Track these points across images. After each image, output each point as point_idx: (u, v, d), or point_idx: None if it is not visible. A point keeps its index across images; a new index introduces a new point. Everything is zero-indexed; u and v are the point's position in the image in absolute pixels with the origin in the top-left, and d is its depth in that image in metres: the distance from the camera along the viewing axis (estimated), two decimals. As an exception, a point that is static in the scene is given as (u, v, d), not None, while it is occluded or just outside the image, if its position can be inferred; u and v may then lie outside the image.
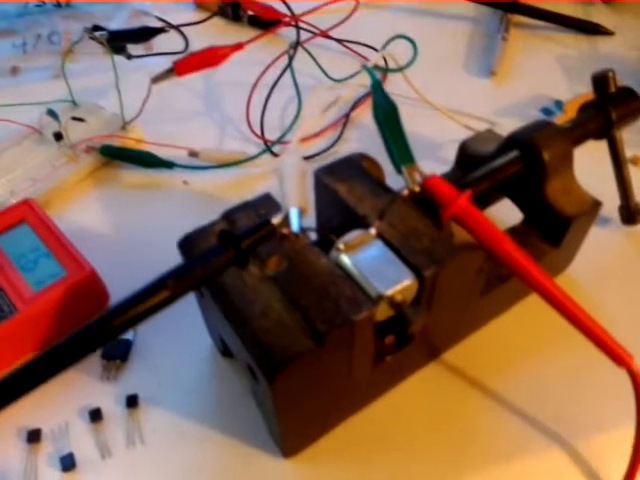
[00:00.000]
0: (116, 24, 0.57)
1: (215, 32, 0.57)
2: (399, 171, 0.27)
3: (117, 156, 0.43)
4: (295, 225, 0.22)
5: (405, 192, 0.26)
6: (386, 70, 0.49)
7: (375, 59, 0.33)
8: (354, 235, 0.25)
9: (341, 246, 0.24)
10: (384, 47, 0.35)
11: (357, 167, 0.29)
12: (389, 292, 0.23)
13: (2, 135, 0.45)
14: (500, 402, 0.30)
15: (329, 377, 0.24)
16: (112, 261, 0.35)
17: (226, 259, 0.20)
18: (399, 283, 0.23)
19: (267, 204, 0.26)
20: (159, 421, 0.29)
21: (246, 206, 0.26)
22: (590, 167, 0.35)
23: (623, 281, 0.36)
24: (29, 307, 0.31)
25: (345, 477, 0.27)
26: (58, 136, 0.43)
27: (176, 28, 0.51)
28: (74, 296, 0.32)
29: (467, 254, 0.25)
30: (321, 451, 0.28)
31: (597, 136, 0.35)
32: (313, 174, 0.29)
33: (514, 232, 0.33)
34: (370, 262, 0.24)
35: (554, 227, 0.32)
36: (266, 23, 0.57)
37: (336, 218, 0.28)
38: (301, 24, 0.51)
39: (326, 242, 0.25)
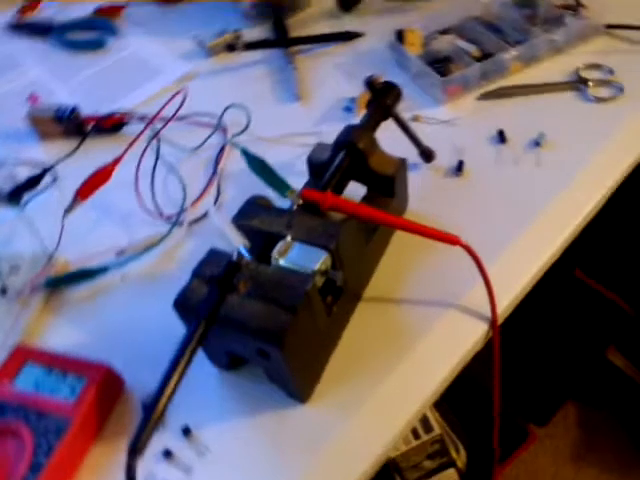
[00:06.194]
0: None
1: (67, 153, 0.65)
2: (285, 196, 0.41)
3: (60, 283, 0.52)
4: (247, 255, 0.35)
5: (295, 207, 0.41)
6: (232, 138, 0.62)
7: (230, 135, 0.47)
8: (279, 246, 0.39)
9: (276, 256, 0.38)
10: (221, 117, 0.48)
11: (256, 205, 0.42)
12: (317, 267, 0.37)
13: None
14: (403, 301, 0.46)
15: (307, 330, 0.38)
16: (105, 357, 0.44)
17: (222, 291, 0.33)
18: (320, 259, 0.37)
19: (217, 254, 0.39)
20: (210, 431, 0.41)
21: (204, 262, 0.39)
22: (396, 138, 0.52)
23: (441, 199, 0.54)
24: (78, 411, 0.40)
25: (341, 392, 0.41)
26: (3, 291, 0.50)
27: (51, 168, 0.59)
28: (102, 390, 0.42)
29: (346, 224, 0.40)
30: (323, 387, 0.42)
31: (384, 118, 0.52)
32: (231, 222, 0.42)
33: (365, 199, 0.49)
34: (297, 256, 0.38)
35: (386, 186, 0.48)
36: (110, 129, 0.68)
37: (263, 241, 0.41)
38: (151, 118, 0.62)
39: (266, 258, 0.38)
